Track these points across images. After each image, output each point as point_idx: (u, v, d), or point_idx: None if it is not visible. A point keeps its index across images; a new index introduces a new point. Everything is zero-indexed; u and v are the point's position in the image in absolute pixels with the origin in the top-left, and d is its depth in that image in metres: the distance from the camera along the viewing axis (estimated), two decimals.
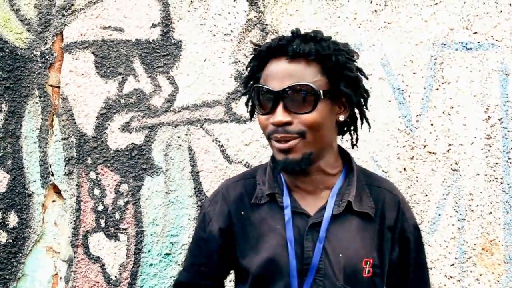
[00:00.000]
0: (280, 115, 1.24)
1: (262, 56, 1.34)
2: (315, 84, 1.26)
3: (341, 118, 1.35)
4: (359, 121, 1.42)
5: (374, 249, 1.34)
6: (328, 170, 1.35)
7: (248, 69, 1.40)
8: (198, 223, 1.50)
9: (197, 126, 2.05)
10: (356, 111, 1.40)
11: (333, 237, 1.31)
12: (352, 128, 1.44)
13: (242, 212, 1.39)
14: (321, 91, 1.26)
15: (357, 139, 1.46)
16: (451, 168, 1.98)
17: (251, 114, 1.46)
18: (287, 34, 1.32)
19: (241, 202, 1.40)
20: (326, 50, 1.29)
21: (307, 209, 1.34)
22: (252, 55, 1.38)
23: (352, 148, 1.42)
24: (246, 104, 1.45)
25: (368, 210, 1.35)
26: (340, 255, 1.30)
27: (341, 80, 1.30)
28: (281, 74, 1.28)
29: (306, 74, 1.27)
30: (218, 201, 1.45)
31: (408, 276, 1.43)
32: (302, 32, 1.34)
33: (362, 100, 1.38)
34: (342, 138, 1.43)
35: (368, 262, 1.31)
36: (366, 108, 1.41)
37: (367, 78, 1.38)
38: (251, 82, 1.38)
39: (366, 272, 1.31)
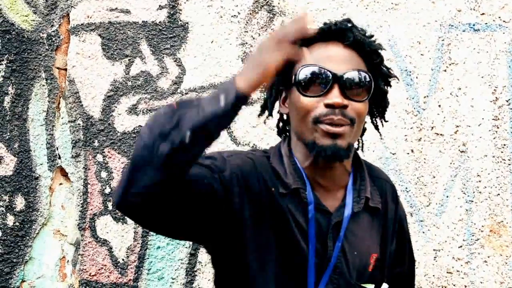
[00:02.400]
0: (338, 97, 1.21)
1: (308, 37, 1.23)
2: (370, 74, 1.26)
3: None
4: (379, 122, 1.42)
5: (378, 243, 1.36)
6: (347, 167, 1.34)
7: None
8: (218, 158, 1.28)
9: None
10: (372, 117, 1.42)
11: (350, 235, 1.31)
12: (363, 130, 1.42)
13: (273, 189, 1.30)
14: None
15: (362, 145, 1.45)
16: (459, 150, 2.01)
17: (273, 105, 1.37)
18: (338, 20, 1.30)
19: (271, 179, 1.31)
20: (375, 46, 1.30)
21: (328, 206, 1.32)
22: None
23: (357, 149, 1.42)
24: (271, 91, 1.36)
25: (378, 205, 1.36)
26: (355, 253, 1.31)
27: (379, 77, 1.32)
28: (338, 57, 1.26)
29: (360, 64, 1.27)
30: (248, 161, 1.31)
31: (404, 266, 1.46)
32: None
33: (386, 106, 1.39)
34: None
35: (374, 257, 1.33)
36: (383, 116, 1.41)
37: (397, 79, 1.40)
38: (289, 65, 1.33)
39: (371, 266, 1.32)
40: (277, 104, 1.35)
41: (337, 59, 1.25)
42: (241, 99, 1.07)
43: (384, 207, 1.38)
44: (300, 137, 1.30)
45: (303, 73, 1.26)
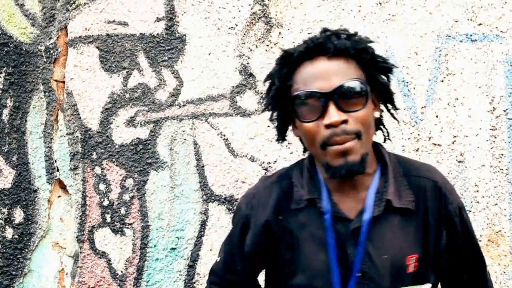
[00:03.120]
0: (335, 115, 1.21)
1: (293, 60, 1.31)
2: (362, 79, 1.26)
3: (377, 114, 1.36)
4: (389, 117, 1.42)
5: (418, 244, 1.32)
6: (368, 170, 1.32)
7: (275, 78, 1.35)
8: (234, 223, 1.47)
9: (202, 120, 2.10)
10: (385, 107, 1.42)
11: (376, 239, 1.29)
12: (382, 125, 1.43)
13: (280, 217, 1.36)
14: (367, 85, 1.26)
15: (388, 134, 1.45)
16: (457, 160, 2.02)
17: (283, 131, 1.42)
18: (317, 34, 1.31)
19: (277, 207, 1.38)
20: (361, 44, 1.29)
21: (347, 212, 1.32)
22: (280, 62, 1.34)
23: (384, 142, 1.43)
24: (273, 120, 1.40)
25: (408, 205, 1.32)
26: (385, 256, 1.28)
27: (377, 71, 1.31)
28: (325, 73, 1.25)
29: (349, 70, 1.26)
30: (255, 206, 1.43)
31: (462, 260, 1.39)
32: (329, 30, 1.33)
33: (391, 95, 1.39)
34: None
35: (413, 258, 1.30)
36: (393, 104, 1.41)
37: (395, 67, 1.39)
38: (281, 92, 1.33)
39: (412, 267, 1.29)
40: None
41: (324, 75, 1.25)
42: None
43: (422, 205, 1.34)
44: (317, 159, 1.33)
45: (296, 101, 1.27)
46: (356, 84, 1.23)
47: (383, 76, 1.34)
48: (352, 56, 1.27)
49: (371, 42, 1.33)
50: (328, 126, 1.22)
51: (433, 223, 1.34)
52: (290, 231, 1.35)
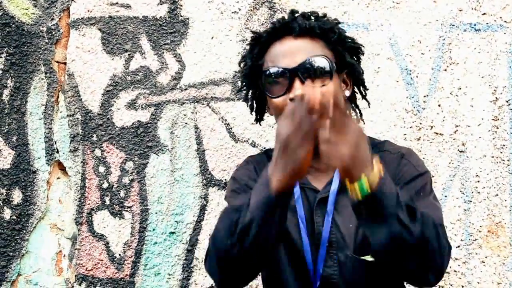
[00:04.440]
0: (299, 89, 1.27)
1: (263, 40, 1.41)
2: (327, 57, 1.34)
3: (347, 93, 1.44)
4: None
5: None
6: None
7: (247, 58, 1.45)
8: (229, 186, 1.53)
9: (203, 104, 2.11)
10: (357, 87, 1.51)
11: (343, 209, 1.35)
12: (354, 105, 1.54)
13: None
14: (333, 63, 1.34)
15: (361, 115, 1.53)
16: (458, 150, 2.03)
17: (259, 111, 1.53)
18: (285, 16, 1.41)
19: (255, 176, 1.45)
20: (328, 25, 1.39)
21: (317, 185, 1.40)
22: (252, 43, 1.44)
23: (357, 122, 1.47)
24: (247, 99, 1.52)
25: None
26: (351, 225, 1.34)
27: (345, 51, 1.40)
28: (291, 51, 1.33)
29: (315, 48, 1.35)
30: (244, 164, 1.54)
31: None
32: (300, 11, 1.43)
33: (362, 73, 1.47)
34: None
35: None
36: (363, 85, 1.50)
37: (363, 53, 1.47)
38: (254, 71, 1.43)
39: None
40: None
41: (290, 53, 1.33)
42: (282, 198, 1.17)
43: None
44: None
45: (264, 78, 1.34)
46: (319, 60, 1.32)
47: (352, 57, 1.43)
48: (319, 36, 1.37)
49: (339, 23, 1.43)
50: (293, 100, 1.27)
51: None
52: None
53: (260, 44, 1.41)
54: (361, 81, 1.49)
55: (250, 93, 1.52)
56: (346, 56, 1.40)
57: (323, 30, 1.36)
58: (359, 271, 1.33)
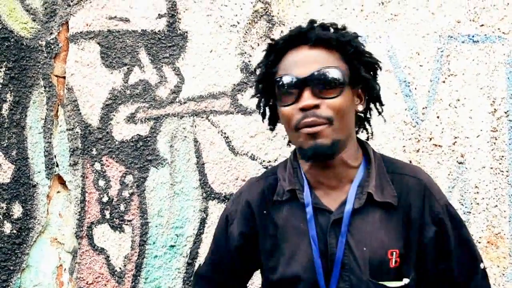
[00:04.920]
0: (308, 99, 1.27)
1: (279, 48, 1.38)
2: (340, 69, 1.32)
3: (360, 108, 1.41)
4: (374, 113, 1.47)
5: (400, 239, 1.35)
6: (350, 162, 1.38)
7: (262, 65, 1.43)
8: (219, 222, 1.54)
9: (202, 117, 2.11)
10: (371, 103, 1.48)
11: (356, 231, 1.33)
12: (366, 121, 1.50)
13: (264, 211, 1.43)
14: (346, 76, 1.32)
15: (372, 133, 1.52)
16: (457, 161, 2.04)
17: (269, 118, 1.50)
18: (304, 24, 1.38)
19: (263, 201, 1.44)
20: (346, 37, 1.35)
21: (329, 205, 1.37)
22: (267, 50, 1.42)
23: (367, 140, 1.47)
24: (259, 106, 1.48)
25: (390, 199, 1.36)
26: (365, 248, 1.32)
27: (361, 66, 1.36)
28: (304, 60, 1.31)
29: (330, 60, 1.32)
30: (240, 202, 1.49)
31: (451, 262, 1.41)
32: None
33: (378, 88, 1.44)
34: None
35: (394, 253, 1.33)
36: (379, 101, 1.47)
37: (380, 68, 1.44)
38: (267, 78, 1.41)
39: (393, 262, 1.32)
40: None
41: (304, 62, 1.31)
42: None
43: (404, 202, 1.37)
44: (294, 144, 1.39)
45: (276, 86, 1.34)
46: (332, 72, 1.29)
47: (368, 71, 1.39)
48: (335, 48, 1.34)
49: (358, 36, 1.39)
50: (302, 110, 1.28)
51: (416, 220, 1.37)
52: (274, 224, 1.41)
53: (275, 52, 1.39)
54: (376, 96, 1.45)
55: (262, 101, 1.49)
56: (361, 70, 1.36)
57: (340, 42, 1.33)
58: None
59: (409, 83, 2.08)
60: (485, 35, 2.07)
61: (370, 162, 1.41)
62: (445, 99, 2.06)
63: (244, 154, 2.11)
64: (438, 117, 2.06)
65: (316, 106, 1.27)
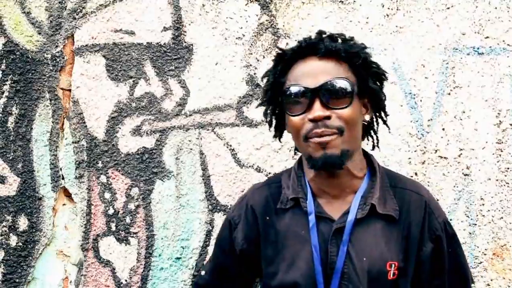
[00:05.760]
0: (319, 110, 1.30)
1: (288, 58, 1.41)
2: (349, 80, 1.34)
3: (367, 117, 1.44)
4: (380, 122, 1.50)
5: (399, 252, 1.38)
6: (355, 173, 1.41)
7: (270, 74, 1.45)
8: (222, 227, 1.57)
9: (208, 130, 2.12)
10: (377, 113, 1.51)
11: (357, 241, 1.36)
12: (372, 131, 1.54)
13: (267, 218, 1.45)
14: (355, 87, 1.35)
15: (378, 142, 1.54)
16: (463, 173, 2.05)
17: (278, 128, 1.52)
18: (313, 35, 1.41)
19: (266, 208, 1.47)
20: (354, 48, 1.39)
21: (332, 214, 1.39)
22: (276, 60, 1.44)
23: (373, 149, 1.49)
24: (266, 114, 1.50)
25: (391, 212, 1.39)
26: (364, 259, 1.35)
27: (369, 77, 1.40)
28: (314, 71, 1.34)
29: (339, 71, 1.35)
30: (243, 207, 1.51)
31: (444, 274, 1.44)
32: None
33: (384, 99, 1.47)
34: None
35: (393, 265, 1.36)
36: (384, 111, 1.49)
37: (387, 79, 1.47)
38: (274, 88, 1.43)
39: (391, 274, 1.35)
40: None
41: (313, 73, 1.33)
42: None
43: (405, 217, 1.40)
44: (301, 152, 1.39)
45: (285, 96, 1.36)
46: (342, 83, 1.32)
47: (375, 82, 1.42)
48: (344, 59, 1.36)
49: (366, 48, 1.42)
50: (312, 120, 1.31)
51: (415, 235, 1.41)
52: (276, 231, 1.44)
53: (283, 62, 1.41)
54: (382, 106, 1.48)
55: (269, 109, 1.51)
56: (369, 81, 1.40)
57: (348, 53, 1.36)
58: None
59: (414, 95, 2.09)
60: (490, 47, 2.08)
61: (375, 173, 1.44)
62: (450, 111, 2.07)
63: (249, 166, 2.12)
64: (443, 129, 2.07)
65: (327, 117, 1.30)
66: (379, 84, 1.45)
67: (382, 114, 1.51)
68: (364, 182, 1.42)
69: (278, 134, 1.56)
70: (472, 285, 1.51)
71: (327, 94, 1.31)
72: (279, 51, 1.45)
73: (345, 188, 1.41)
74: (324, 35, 1.41)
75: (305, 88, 1.32)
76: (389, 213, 1.39)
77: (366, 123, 1.48)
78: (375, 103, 1.45)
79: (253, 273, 1.55)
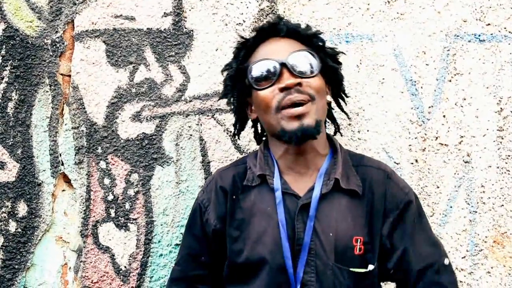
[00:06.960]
0: (290, 78, 1.36)
1: (250, 44, 1.49)
2: (313, 53, 1.44)
3: (328, 98, 1.52)
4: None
5: (364, 227, 1.42)
6: (320, 150, 1.47)
7: (233, 63, 1.53)
8: (191, 214, 1.60)
9: (208, 116, 2.12)
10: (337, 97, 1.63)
11: (323, 217, 1.39)
12: (331, 115, 1.66)
13: (234, 197, 1.48)
14: (318, 62, 1.44)
15: (338, 127, 1.66)
16: (463, 160, 2.05)
17: (241, 118, 1.61)
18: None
19: (233, 187, 1.51)
20: (312, 31, 1.49)
21: (298, 191, 1.43)
22: (237, 48, 1.53)
23: (335, 134, 1.64)
24: (230, 103, 1.60)
25: (355, 187, 1.44)
26: (331, 234, 1.38)
27: (327, 57, 1.48)
28: (278, 48, 1.41)
29: (302, 47, 1.45)
30: (212, 189, 1.55)
31: (411, 242, 1.46)
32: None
33: (343, 79, 1.57)
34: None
35: (359, 240, 1.40)
36: (344, 92, 1.59)
37: (344, 53, 1.64)
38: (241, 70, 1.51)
39: (358, 249, 1.39)
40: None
41: (278, 49, 1.41)
42: None
43: (369, 192, 1.45)
44: (271, 130, 1.45)
45: (252, 71, 1.41)
46: (307, 54, 1.41)
47: (331, 61, 1.51)
48: (303, 39, 1.46)
49: (321, 33, 1.52)
50: (284, 89, 1.36)
51: (379, 209, 1.46)
52: (242, 208, 1.47)
53: (246, 48, 1.49)
54: (342, 89, 1.58)
55: (234, 96, 1.58)
56: (328, 61, 1.48)
57: (307, 34, 1.46)
58: (339, 280, 1.35)
59: (415, 82, 2.09)
60: (491, 34, 2.08)
61: (336, 152, 1.49)
62: (451, 98, 2.07)
63: (249, 152, 2.12)
64: (444, 116, 2.07)
65: (299, 84, 1.35)
66: (337, 64, 1.54)
67: (342, 95, 1.60)
68: (326, 159, 1.47)
69: (240, 127, 1.64)
70: (446, 259, 1.53)
71: (295, 64, 1.37)
72: (241, 39, 1.53)
73: (310, 165, 1.45)
74: (280, 20, 1.51)
75: (273, 60, 1.38)
76: (353, 188, 1.43)
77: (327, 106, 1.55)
78: (335, 84, 1.54)
79: (225, 256, 1.55)
